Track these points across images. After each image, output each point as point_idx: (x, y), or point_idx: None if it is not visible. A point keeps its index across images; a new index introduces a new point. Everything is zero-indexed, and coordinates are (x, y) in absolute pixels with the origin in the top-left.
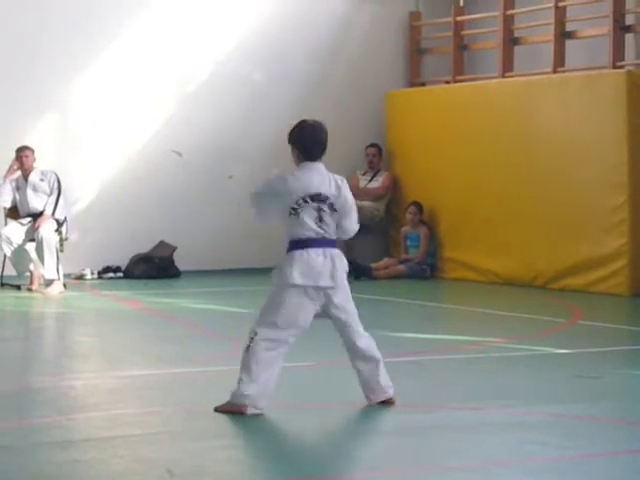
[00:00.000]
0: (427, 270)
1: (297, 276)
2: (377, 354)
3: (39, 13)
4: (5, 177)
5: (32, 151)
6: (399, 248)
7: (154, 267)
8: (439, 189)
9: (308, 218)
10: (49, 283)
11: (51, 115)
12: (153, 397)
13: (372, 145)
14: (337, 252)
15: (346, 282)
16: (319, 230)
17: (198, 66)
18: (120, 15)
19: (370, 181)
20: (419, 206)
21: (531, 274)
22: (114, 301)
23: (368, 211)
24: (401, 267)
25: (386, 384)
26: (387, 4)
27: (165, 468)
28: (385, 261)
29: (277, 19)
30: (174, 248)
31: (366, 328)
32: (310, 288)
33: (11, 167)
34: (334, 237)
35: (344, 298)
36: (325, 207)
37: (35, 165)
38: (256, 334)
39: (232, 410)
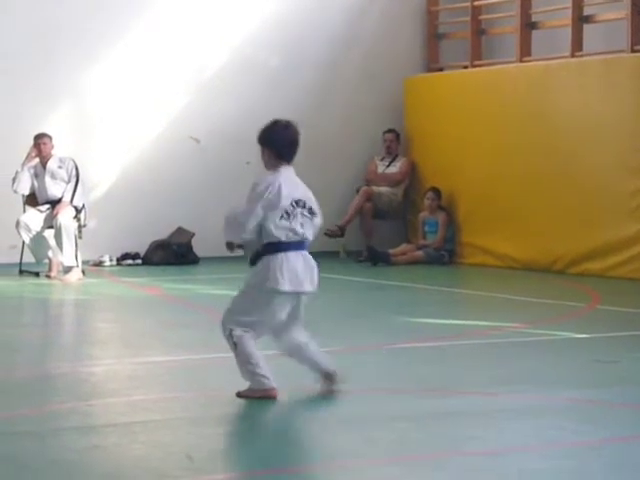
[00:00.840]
0: (445, 256)
1: (286, 283)
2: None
3: (54, 2)
4: (23, 164)
5: (50, 138)
6: (417, 234)
7: (172, 253)
8: (457, 174)
9: (297, 222)
10: (68, 270)
11: (69, 102)
12: (173, 383)
13: (390, 131)
14: (308, 255)
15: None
16: (304, 234)
17: (214, 53)
18: (136, 3)
19: (388, 167)
20: (437, 192)
21: (549, 259)
22: (133, 288)
23: (386, 197)
24: (419, 253)
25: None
26: None
27: (185, 453)
28: (403, 247)
29: (293, 5)
30: (192, 234)
31: (385, 314)
32: (293, 293)
33: (29, 154)
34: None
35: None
36: (306, 212)
37: (53, 152)
38: (232, 330)
39: (256, 395)
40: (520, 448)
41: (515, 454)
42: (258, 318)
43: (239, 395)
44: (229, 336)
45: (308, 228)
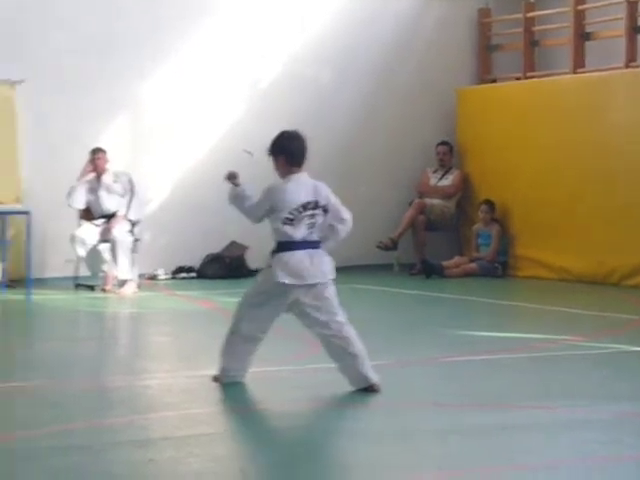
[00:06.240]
0: (499, 268)
1: (286, 276)
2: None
3: (110, 14)
4: (79, 179)
5: (105, 153)
6: (470, 246)
7: (226, 267)
8: (510, 186)
9: (302, 226)
10: (123, 283)
11: (124, 117)
12: (227, 396)
13: (443, 143)
14: (319, 251)
15: None
16: (308, 235)
17: (268, 66)
18: (190, 16)
19: (441, 179)
20: (491, 204)
21: (603, 271)
22: (187, 301)
23: (438, 209)
24: (473, 265)
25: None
26: (456, 1)
27: (239, 467)
28: (456, 259)
29: (346, 17)
30: (245, 248)
31: (438, 327)
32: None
33: (85, 169)
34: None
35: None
36: (318, 212)
37: (108, 167)
38: (240, 321)
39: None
40: (576, 461)
41: (571, 468)
42: (262, 308)
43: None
44: (236, 323)
45: (317, 228)
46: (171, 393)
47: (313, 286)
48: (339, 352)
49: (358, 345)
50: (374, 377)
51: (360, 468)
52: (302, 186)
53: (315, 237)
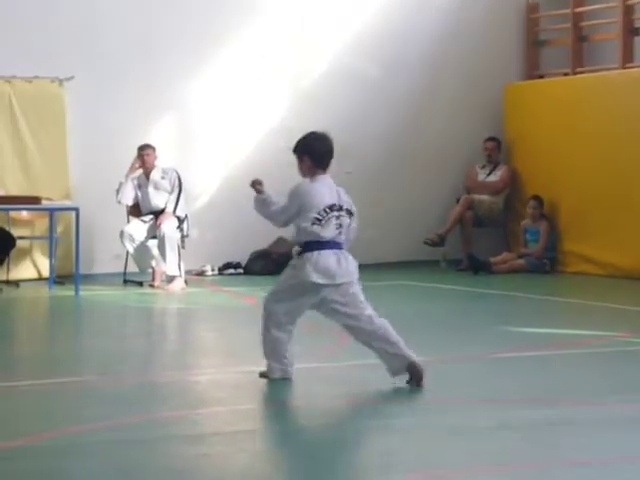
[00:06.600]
0: (547, 264)
1: (316, 275)
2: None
3: (158, 15)
4: (127, 175)
5: (153, 149)
6: (518, 242)
7: (273, 263)
8: (558, 182)
9: (330, 226)
10: (171, 279)
11: (171, 114)
12: (276, 392)
13: (491, 139)
14: (344, 252)
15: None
16: (336, 236)
17: (312, 62)
18: (235, 14)
19: (489, 175)
20: (539, 200)
21: None
22: (234, 297)
23: (486, 205)
24: (520, 261)
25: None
26: None
27: (289, 462)
28: (504, 255)
29: (392, 12)
30: (292, 244)
31: (486, 323)
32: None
33: (133, 165)
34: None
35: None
36: (343, 213)
37: (156, 163)
38: (270, 314)
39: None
40: (629, 459)
41: (624, 464)
42: (290, 303)
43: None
44: (267, 317)
45: (345, 229)
46: (221, 388)
47: (340, 285)
48: (374, 340)
49: (393, 332)
50: (414, 356)
51: (411, 464)
52: (327, 188)
53: (342, 239)
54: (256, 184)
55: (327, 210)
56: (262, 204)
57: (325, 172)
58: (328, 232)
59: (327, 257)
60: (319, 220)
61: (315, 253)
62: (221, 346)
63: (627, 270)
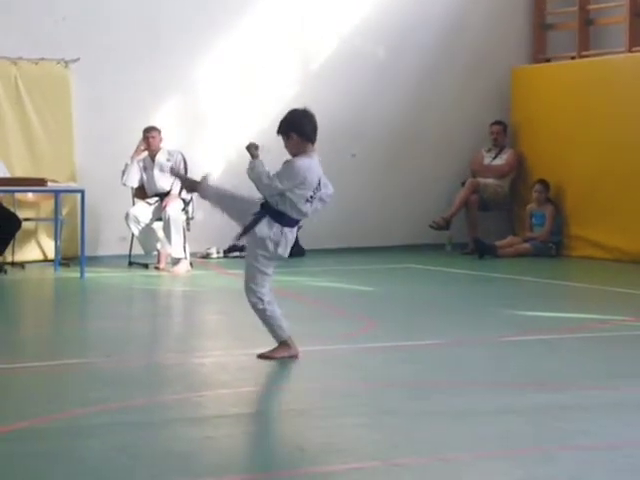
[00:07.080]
0: (552, 248)
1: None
2: None
3: None
4: (132, 158)
5: (159, 131)
6: (523, 226)
7: None
8: (565, 166)
9: (313, 206)
10: (176, 262)
11: (177, 96)
12: (282, 375)
13: (497, 122)
14: None
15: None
16: (310, 214)
17: (321, 44)
18: None
19: (494, 158)
20: (545, 184)
21: None
22: (239, 280)
23: (492, 189)
24: (527, 245)
25: None
26: None
27: (295, 445)
28: (509, 239)
29: None
30: (299, 227)
31: (492, 307)
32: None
33: (138, 148)
34: None
35: None
36: (321, 191)
37: (162, 145)
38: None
39: (278, 357)
40: (635, 443)
41: (630, 448)
42: (269, 277)
43: (261, 356)
44: (257, 302)
45: (315, 209)
46: (226, 371)
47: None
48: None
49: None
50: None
51: (417, 447)
52: (317, 164)
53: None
54: (252, 147)
55: (318, 188)
56: (257, 169)
57: (313, 146)
58: (310, 210)
59: (294, 233)
60: (311, 198)
61: (287, 229)
62: (226, 329)
63: (633, 254)
